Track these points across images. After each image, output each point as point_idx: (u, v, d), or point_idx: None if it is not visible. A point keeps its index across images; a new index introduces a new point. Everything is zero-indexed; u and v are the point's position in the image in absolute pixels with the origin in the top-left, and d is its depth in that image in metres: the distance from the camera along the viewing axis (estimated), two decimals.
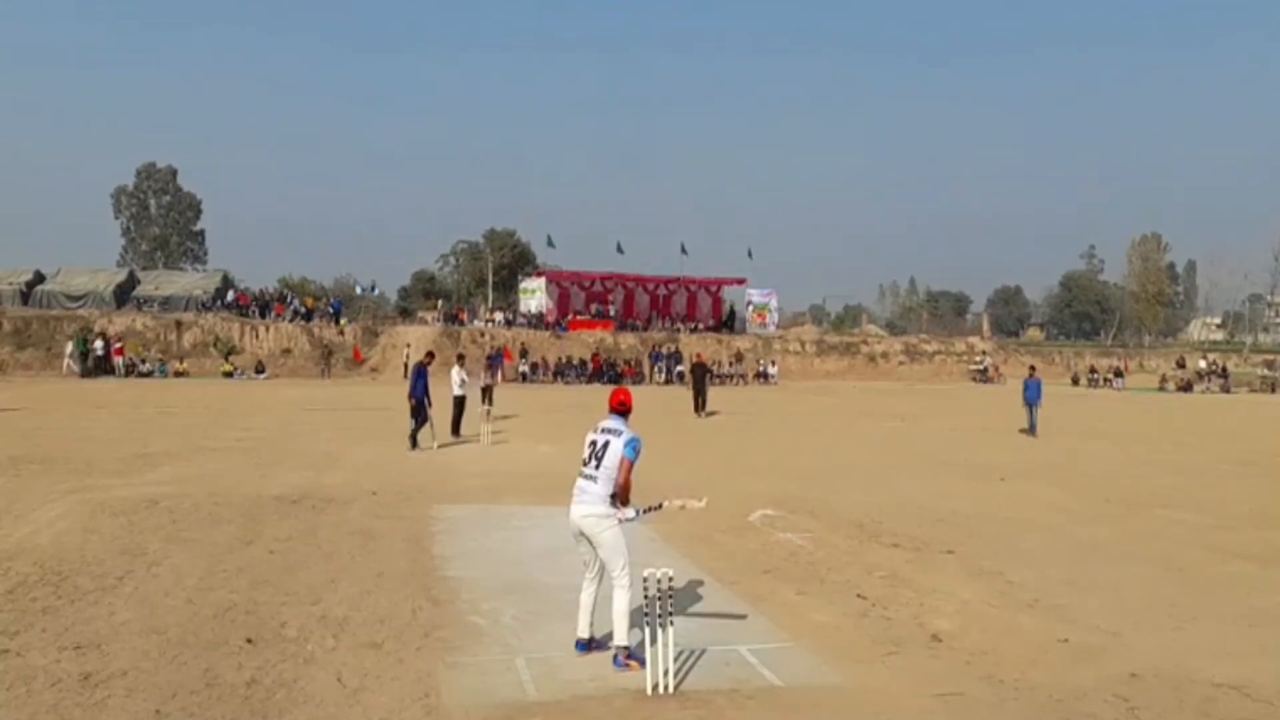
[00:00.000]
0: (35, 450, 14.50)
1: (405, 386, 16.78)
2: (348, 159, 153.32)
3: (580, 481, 5.64)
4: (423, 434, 15.82)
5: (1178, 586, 7.77)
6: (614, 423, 5.74)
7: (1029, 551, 8.98)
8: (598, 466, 5.59)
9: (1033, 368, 23.20)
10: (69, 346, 36.55)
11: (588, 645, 5.72)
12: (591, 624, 5.73)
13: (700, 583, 7.50)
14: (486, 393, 20.37)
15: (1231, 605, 7.19)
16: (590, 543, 5.59)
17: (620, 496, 5.61)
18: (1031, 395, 20.58)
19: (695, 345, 40.88)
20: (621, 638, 5.48)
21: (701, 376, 25.36)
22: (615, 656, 5.49)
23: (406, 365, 39.65)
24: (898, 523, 10.15)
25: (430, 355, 17.80)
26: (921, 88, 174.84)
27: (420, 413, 15.82)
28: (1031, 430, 20.28)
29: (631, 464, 5.61)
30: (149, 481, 11.79)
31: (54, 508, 9.88)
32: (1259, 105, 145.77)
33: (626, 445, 5.59)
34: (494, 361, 26.97)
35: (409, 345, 41.22)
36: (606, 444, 5.62)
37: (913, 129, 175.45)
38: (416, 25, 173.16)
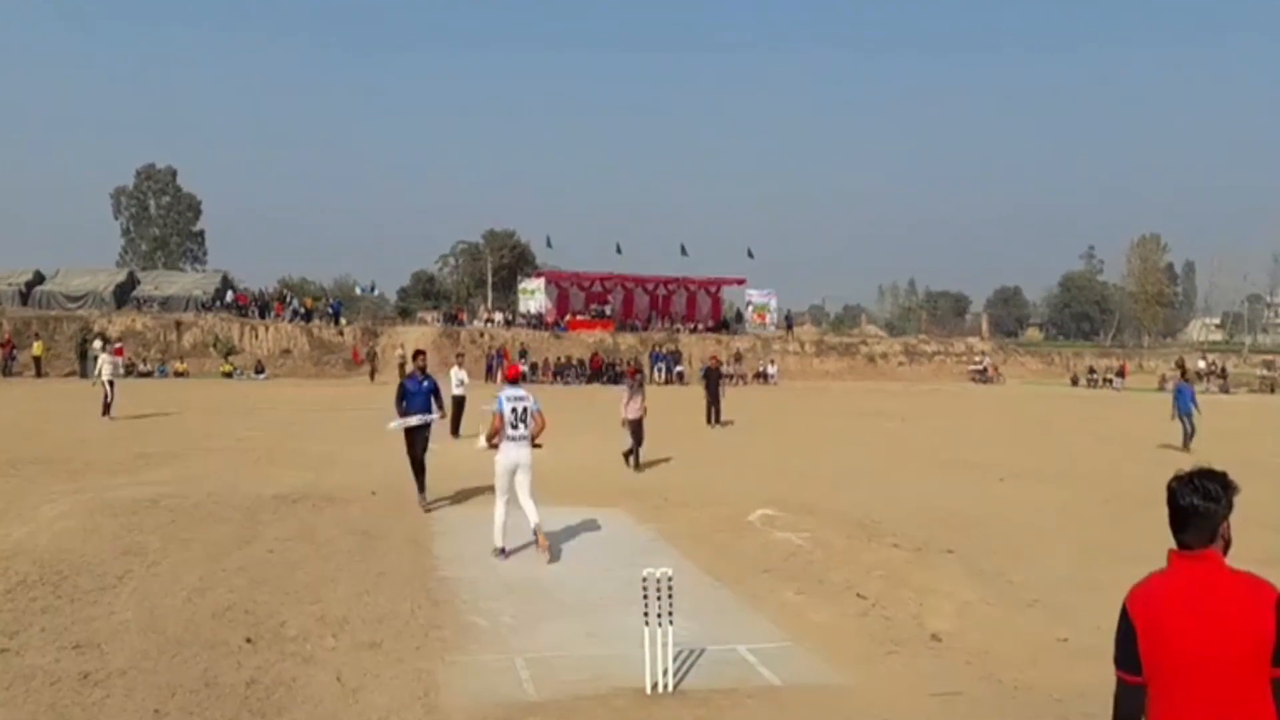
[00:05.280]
0: (35, 450, 14.49)
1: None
2: (347, 159, 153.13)
3: (517, 435, 8.27)
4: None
5: None
6: (519, 390, 8.43)
7: (1029, 551, 8.98)
8: (525, 425, 8.32)
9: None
10: None
11: (505, 553, 8.23)
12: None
13: (700, 583, 7.49)
14: (637, 431, 14.13)
15: None
16: (521, 475, 8.19)
17: (532, 438, 8.44)
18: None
19: (695, 346, 40.83)
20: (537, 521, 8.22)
21: (715, 381, 22.78)
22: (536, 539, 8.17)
23: (401, 368, 39.75)
24: (897, 522, 10.14)
25: (420, 354, 12.14)
26: (921, 87, 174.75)
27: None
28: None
29: (540, 414, 8.50)
30: (149, 481, 11.78)
31: (54, 507, 9.87)
32: (1259, 105, 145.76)
33: (536, 406, 8.45)
34: (634, 386, 15.11)
35: (401, 347, 41.19)
36: (525, 409, 8.31)
37: (912, 129, 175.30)
38: (415, 25, 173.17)
